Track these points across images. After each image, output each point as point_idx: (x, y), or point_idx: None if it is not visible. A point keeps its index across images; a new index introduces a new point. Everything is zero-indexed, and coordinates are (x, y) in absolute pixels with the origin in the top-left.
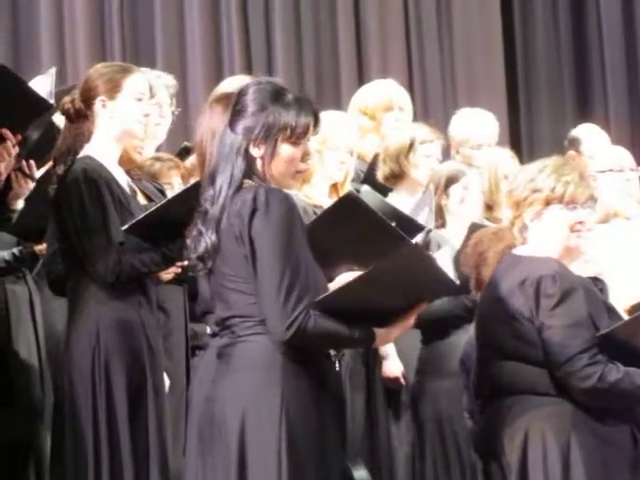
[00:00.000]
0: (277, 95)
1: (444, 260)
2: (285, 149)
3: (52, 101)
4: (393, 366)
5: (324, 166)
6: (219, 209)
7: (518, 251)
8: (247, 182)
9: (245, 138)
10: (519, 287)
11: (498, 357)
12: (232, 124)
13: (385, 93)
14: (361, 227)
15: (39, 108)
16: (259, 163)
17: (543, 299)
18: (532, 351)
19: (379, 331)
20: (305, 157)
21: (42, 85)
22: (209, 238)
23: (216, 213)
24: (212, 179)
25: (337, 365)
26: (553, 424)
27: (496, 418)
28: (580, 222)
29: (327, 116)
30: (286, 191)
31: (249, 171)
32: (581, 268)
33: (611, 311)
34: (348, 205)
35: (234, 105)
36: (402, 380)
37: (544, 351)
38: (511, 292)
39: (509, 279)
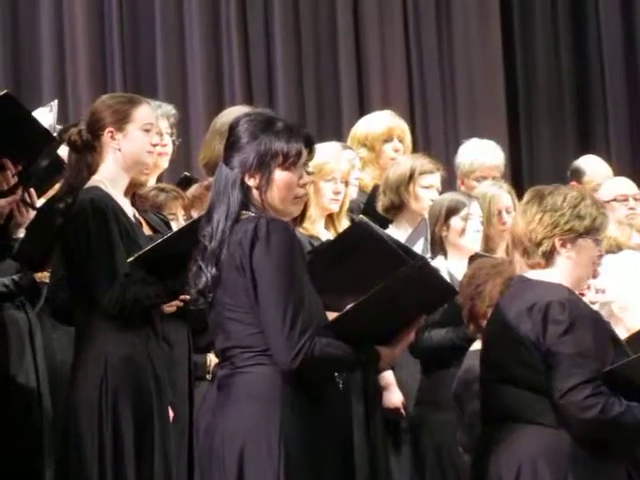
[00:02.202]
0: (267, 124)
1: (440, 268)
2: (280, 175)
3: (54, 134)
4: (394, 396)
5: (319, 197)
6: (218, 243)
7: (529, 275)
8: (245, 213)
9: (240, 170)
10: (527, 312)
11: (501, 381)
12: (226, 159)
13: (384, 124)
14: (368, 254)
15: (42, 140)
16: (256, 193)
17: (551, 325)
18: (536, 378)
19: (383, 350)
20: (302, 182)
21: (44, 117)
22: (209, 272)
23: (215, 247)
24: (209, 216)
25: (340, 385)
26: (550, 461)
27: (494, 446)
28: (601, 255)
29: (321, 147)
30: (287, 221)
31: (246, 202)
32: (591, 297)
33: (617, 344)
34: (359, 232)
35: (227, 139)
36: (402, 411)
37: (547, 378)
38: (519, 316)
39: (518, 303)
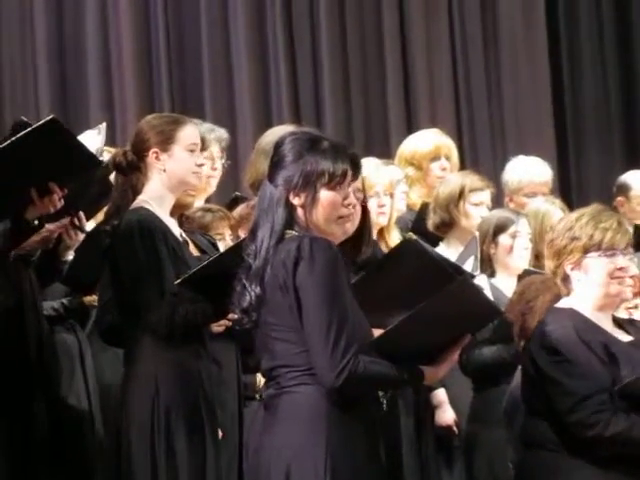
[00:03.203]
0: (313, 143)
1: (483, 286)
2: (325, 195)
3: (101, 158)
4: (446, 415)
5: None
6: (262, 262)
7: (559, 303)
8: (289, 232)
9: (285, 188)
10: (535, 340)
11: (533, 408)
12: (271, 177)
13: (431, 142)
14: (417, 272)
15: (88, 164)
16: (300, 212)
17: (544, 351)
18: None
19: (427, 369)
20: (347, 203)
21: (91, 140)
22: (253, 291)
23: (259, 266)
24: (253, 234)
25: (385, 406)
26: None
27: (527, 473)
28: (620, 268)
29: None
30: (330, 240)
31: (291, 221)
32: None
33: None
34: (408, 249)
35: (272, 158)
36: (455, 429)
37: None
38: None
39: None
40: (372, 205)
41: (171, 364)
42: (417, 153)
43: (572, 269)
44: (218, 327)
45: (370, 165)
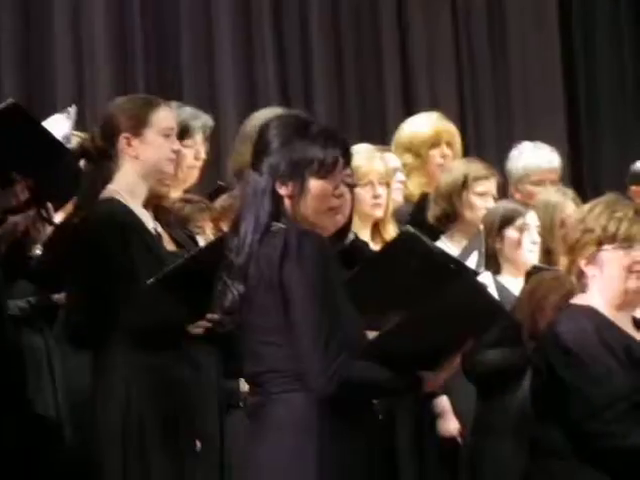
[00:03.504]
0: (301, 128)
1: (487, 284)
2: (314, 184)
3: (70, 144)
4: (450, 424)
5: (358, 204)
6: (245, 258)
7: (575, 300)
8: (276, 225)
9: (270, 177)
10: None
11: (544, 415)
12: (255, 165)
13: (430, 127)
14: (415, 269)
15: (54, 152)
16: (287, 203)
17: (559, 353)
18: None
19: (426, 375)
20: (338, 193)
21: (59, 126)
22: (236, 290)
23: (242, 262)
24: (236, 227)
25: (380, 416)
26: None
27: None
28: (638, 262)
29: (354, 150)
30: (319, 233)
31: (277, 212)
32: None
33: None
34: (405, 243)
35: (256, 144)
36: (459, 440)
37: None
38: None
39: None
40: (366, 196)
41: (144, 370)
42: (415, 139)
43: (586, 264)
44: (196, 329)
45: (363, 152)
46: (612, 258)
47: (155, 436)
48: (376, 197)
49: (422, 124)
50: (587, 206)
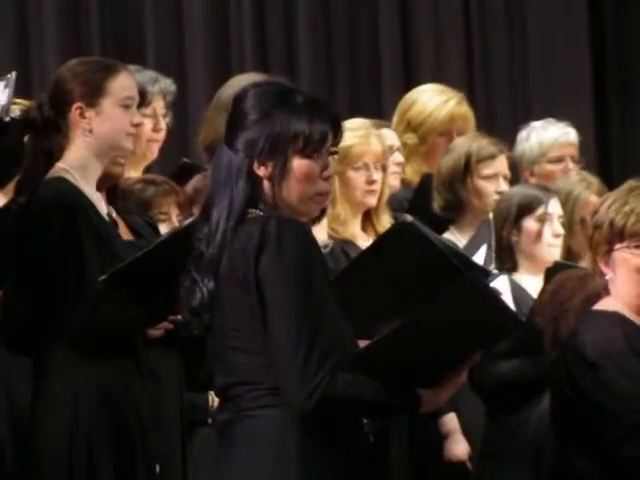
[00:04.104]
0: (284, 98)
1: (501, 290)
2: (298, 164)
3: (8, 117)
4: (458, 446)
5: (349, 191)
6: (217, 249)
7: (600, 305)
8: (252, 211)
9: (247, 155)
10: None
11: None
12: (229, 140)
13: (445, 112)
14: (414, 266)
15: None
16: (267, 185)
17: (584, 366)
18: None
19: (425, 393)
20: (326, 175)
21: None
22: (205, 286)
23: (213, 255)
24: (206, 213)
25: (371, 437)
26: None
27: None
28: None
29: (344, 127)
30: (304, 222)
31: (254, 197)
32: None
33: None
34: (402, 236)
35: (230, 116)
36: (469, 465)
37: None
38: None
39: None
40: (358, 181)
41: (93, 380)
42: (424, 122)
43: (604, 265)
44: (156, 331)
45: (358, 128)
46: (622, 259)
47: (105, 460)
48: (370, 182)
49: (435, 104)
50: (602, 199)
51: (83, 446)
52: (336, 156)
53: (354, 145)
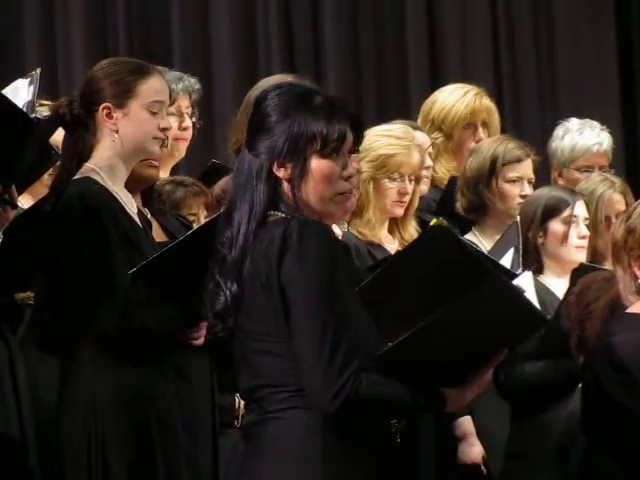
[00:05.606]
0: (302, 99)
1: (526, 289)
2: (318, 164)
3: (33, 114)
4: (473, 449)
5: (381, 198)
6: (239, 252)
7: (632, 308)
8: (274, 214)
9: (267, 157)
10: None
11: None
12: (250, 143)
13: (465, 104)
14: (443, 268)
15: (13, 122)
16: (287, 187)
17: (612, 369)
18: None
19: (450, 393)
20: (347, 174)
21: (21, 92)
22: (228, 290)
23: (236, 258)
24: (229, 217)
25: (398, 438)
26: None
27: None
28: None
29: (385, 132)
30: (325, 223)
31: (275, 199)
32: None
33: None
34: (434, 239)
35: (251, 118)
36: (483, 468)
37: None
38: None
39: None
40: (391, 191)
41: (114, 383)
42: (448, 117)
43: (638, 268)
44: (197, 340)
45: (401, 137)
46: None
47: (123, 467)
48: (402, 194)
49: (454, 99)
50: (637, 202)
51: (100, 454)
52: (361, 155)
53: (395, 155)
